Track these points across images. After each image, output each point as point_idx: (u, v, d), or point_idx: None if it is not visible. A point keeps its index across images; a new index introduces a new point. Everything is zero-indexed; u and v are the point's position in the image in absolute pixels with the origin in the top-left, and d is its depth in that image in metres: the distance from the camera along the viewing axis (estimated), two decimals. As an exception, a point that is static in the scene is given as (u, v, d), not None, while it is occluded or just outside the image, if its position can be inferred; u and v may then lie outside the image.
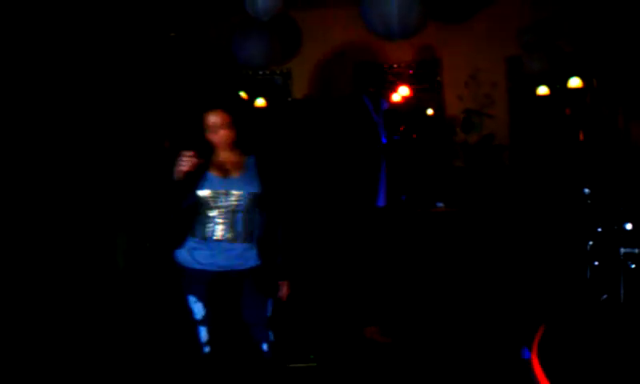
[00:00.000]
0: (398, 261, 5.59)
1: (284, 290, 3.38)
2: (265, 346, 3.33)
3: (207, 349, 3.33)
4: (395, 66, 7.71)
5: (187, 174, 3.09)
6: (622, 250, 4.91)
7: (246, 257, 3.26)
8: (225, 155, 3.27)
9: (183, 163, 3.07)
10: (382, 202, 5.05)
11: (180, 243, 3.25)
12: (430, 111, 7.67)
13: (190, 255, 3.23)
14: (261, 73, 7.70)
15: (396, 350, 4.71)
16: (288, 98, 7.72)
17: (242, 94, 7.32)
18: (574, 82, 7.20)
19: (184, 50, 7.18)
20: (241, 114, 3.28)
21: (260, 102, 7.62)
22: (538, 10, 7.10)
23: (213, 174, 3.22)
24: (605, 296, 5.11)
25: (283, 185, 3.35)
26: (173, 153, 3.18)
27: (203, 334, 3.31)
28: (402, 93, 7.41)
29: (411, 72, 7.77)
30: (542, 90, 7.47)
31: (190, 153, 3.08)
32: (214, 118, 3.18)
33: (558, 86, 7.49)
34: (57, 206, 5.76)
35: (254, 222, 3.26)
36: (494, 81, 7.62)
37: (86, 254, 5.87)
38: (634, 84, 7.10)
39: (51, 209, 5.75)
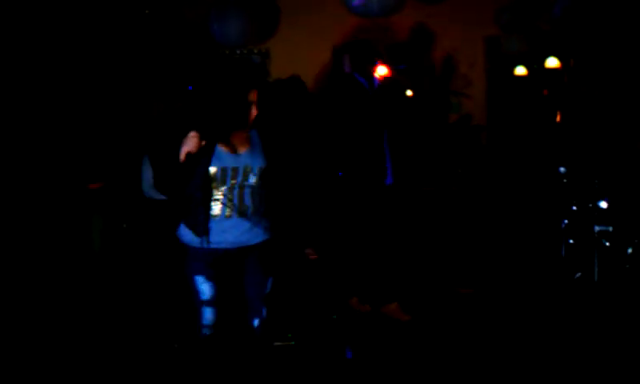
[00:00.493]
0: (381, 238, 5.59)
1: (309, 253, 3.44)
2: (256, 322, 3.29)
3: (207, 331, 3.23)
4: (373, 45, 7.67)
5: (190, 154, 3.03)
6: (597, 228, 4.97)
7: (255, 232, 3.22)
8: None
9: (189, 144, 3.02)
10: (389, 179, 5.06)
11: (189, 222, 3.19)
12: (409, 92, 7.66)
13: (201, 235, 3.16)
14: (238, 52, 7.63)
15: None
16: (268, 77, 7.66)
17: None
18: (552, 62, 7.22)
19: (158, 28, 7.10)
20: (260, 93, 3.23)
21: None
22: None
23: (223, 150, 3.16)
24: (579, 274, 5.17)
25: (288, 159, 3.34)
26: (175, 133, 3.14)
27: (208, 315, 3.22)
28: (380, 72, 7.38)
29: (390, 51, 7.73)
30: (520, 71, 7.48)
31: (195, 133, 3.03)
32: (253, 96, 3.15)
33: (535, 66, 7.51)
34: (29, 189, 5.69)
35: (262, 196, 3.23)
36: (471, 61, 7.62)
37: (61, 235, 5.81)
38: (611, 63, 7.14)
39: (24, 191, 5.69)
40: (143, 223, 5.76)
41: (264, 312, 3.30)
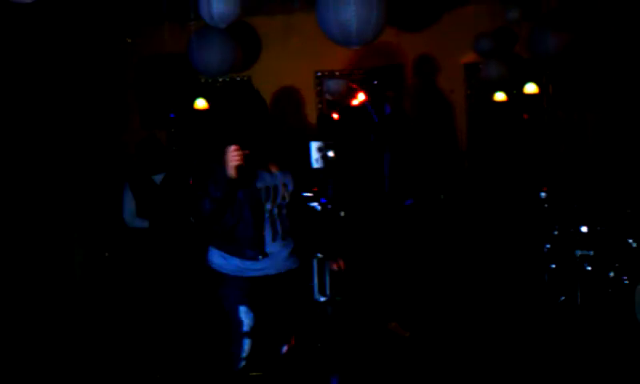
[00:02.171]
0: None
1: (341, 265, 3.25)
2: (284, 348, 3.22)
3: (243, 363, 3.09)
4: (354, 71, 7.73)
5: (240, 168, 2.93)
6: (578, 253, 4.99)
7: (292, 258, 3.18)
8: None
9: (234, 158, 2.92)
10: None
11: (234, 252, 3.06)
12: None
13: (242, 263, 3.06)
14: (220, 80, 7.64)
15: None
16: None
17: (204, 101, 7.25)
18: (530, 88, 7.31)
19: (140, 57, 7.10)
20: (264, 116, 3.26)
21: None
22: (496, 18, 7.19)
23: (262, 170, 3.13)
24: (562, 298, 5.19)
25: (303, 185, 3.27)
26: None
27: (247, 346, 3.09)
28: (360, 99, 7.42)
29: (370, 78, 7.78)
30: (500, 96, 7.56)
31: (236, 146, 2.94)
32: None
33: (514, 91, 7.59)
34: (12, 218, 5.63)
35: (292, 220, 3.18)
36: (451, 87, 7.68)
37: (42, 264, 5.75)
38: (589, 89, 7.24)
39: (6, 220, 5.63)
40: (125, 252, 5.71)
41: (292, 339, 3.24)
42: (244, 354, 3.07)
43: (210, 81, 7.56)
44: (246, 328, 3.06)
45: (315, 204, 5.14)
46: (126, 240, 5.53)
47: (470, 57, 7.39)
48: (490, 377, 4.22)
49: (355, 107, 5.66)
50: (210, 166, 3.00)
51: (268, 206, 3.05)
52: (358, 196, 5.25)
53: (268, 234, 3.06)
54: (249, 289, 3.07)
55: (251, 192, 3.02)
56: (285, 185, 3.12)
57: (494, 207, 6.71)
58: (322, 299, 5.02)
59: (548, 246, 5.39)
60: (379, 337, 4.97)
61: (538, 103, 7.56)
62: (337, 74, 7.69)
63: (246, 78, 7.67)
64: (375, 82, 5.51)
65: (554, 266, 5.37)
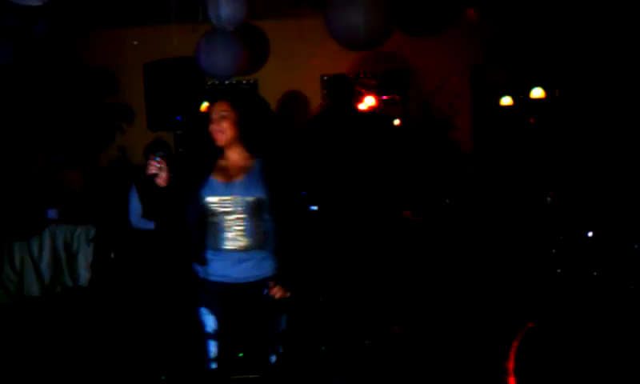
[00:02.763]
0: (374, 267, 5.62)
1: (275, 291, 3.07)
2: (273, 359, 3.13)
3: (214, 365, 3.09)
4: (362, 75, 7.74)
5: (171, 180, 2.95)
6: (584, 258, 5.00)
7: (262, 267, 3.07)
8: (230, 156, 3.09)
9: (152, 169, 2.96)
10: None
11: (197, 254, 3.08)
12: (396, 121, 7.71)
13: (204, 267, 3.07)
14: (227, 82, 7.66)
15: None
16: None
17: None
18: (537, 93, 7.31)
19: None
20: (247, 109, 3.06)
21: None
22: (503, 21, 7.20)
23: (215, 180, 3.04)
24: (567, 303, 5.19)
25: (292, 190, 3.13)
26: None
27: (212, 349, 3.09)
28: (368, 103, 7.44)
29: (378, 82, 7.80)
30: (506, 101, 7.56)
31: (157, 159, 2.96)
32: (218, 109, 3.02)
33: (521, 96, 7.60)
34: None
35: (266, 229, 3.05)
36: (457, 91, 7.68)
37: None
38: (595, 94, 7.23)
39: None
40: (131, 253, 5.73)
41: (280, 349, 3.14)
42: (212, 356, 3.09)
43: (216, 83, 7.58)
44: (207, 329, 3.08)
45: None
46: (131, 241, 5.54)
47: (476, 59, 7.40)
48: (492, 381, 4.21)
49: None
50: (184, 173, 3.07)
51: (220, 219, 3.00)
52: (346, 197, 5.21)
53: (220, 242, 3.01)
54: (209, 292, 3.08)
55: (197, 206, 3.03)
56: (240, 198, 2.99)
57: (500, 212, 6.71)
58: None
59: (554, 250, 5.40)
60: (379, 339, 4.96)
61: (545, 108, 7.56)
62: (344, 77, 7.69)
63: (252, 81, 7.70)
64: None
65: (559, 270, 5.37)
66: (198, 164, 3.08)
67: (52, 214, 6.13)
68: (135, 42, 7.32)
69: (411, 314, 5.43)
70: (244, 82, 7.66)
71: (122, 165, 6.82)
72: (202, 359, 3.11)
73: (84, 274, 5.91)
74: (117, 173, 6.58)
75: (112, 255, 6.02)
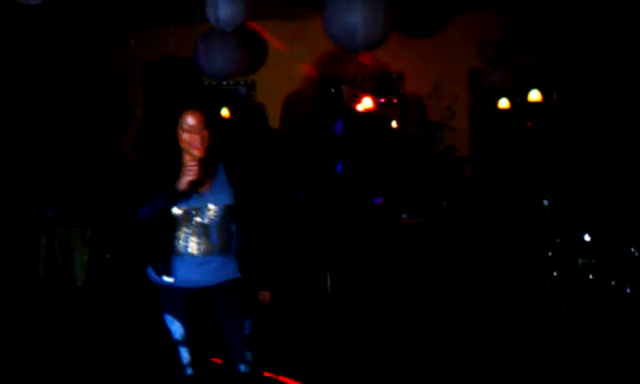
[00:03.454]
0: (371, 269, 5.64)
1: (266, 297, 3.17)
2: (242, 367, 3.10)
3: (189, 371, 3.07)
4: (359, 78, 7.75)
5: (192, 183, 2.89)
6: (581, 261, 5.00)
7: (223, 270, 3.05)
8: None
9: (190, 171, 2.87)
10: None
11: (153, 259, 3.05)
12: (393, 124, 7.73)
13: (167, 271, 3.01)
14: (225, 83, 7.67)
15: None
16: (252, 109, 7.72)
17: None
18: (534, 95, 7.33)
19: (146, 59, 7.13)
20: (214, 118, 3.07)
21: (224, 112, 7.59)
22: (501, 24, 7.21)
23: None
24: (563, 306, 5.20)
25: (257, 192, 3.16)
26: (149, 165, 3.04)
27: (184, 355, 3.06)
28: (365, 105, 7.45)
29: (375, 84, 7.82)
30: (503, 103, 7.58)
31: (195, 161, 2.89)
32: (197, 120, 2.96)
33: (518, 99, 7.61)
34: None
35: (230, 232, 3.05)
36: (455, 93, 7.70)
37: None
38: (593, 97, 7.25)
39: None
40: (127, 254, 5.73)
41: (248, 356, 3.11)
42: (186, 362, 3.05)
43: (214, 84, 7.59)
44: (176, 336, 3.04)
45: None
46: (128, 242, 5.54)
47: (474, 63, 7.41)
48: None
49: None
50: (156, 177, 2.99)
51: (189, 223, 2.97)
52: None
53: (185, 247, 2.98)
54: (172, 298, 3.04)
55: (165, 215, 2.98)
56: (210, 206, 2.98)
57: (497, 214, 6.71)
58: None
59: (550, 253, 5.40)
60: (375, 340, 4.97)
61: (542, 111, 7.57)
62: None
63: (249, 82, 7.71)
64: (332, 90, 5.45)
65: (556, 273, 5.38)
66: (166, 171, 2.99)
67: (48, 214, 6.12)
68: (132, 42, 7.33)
69: (406, 316, 5.43)
70: (242, 82, 7.67)
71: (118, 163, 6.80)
72: (176, 365, 3.08)
73: (80, 274, 5.90)
74: (113, 171, 6.56)
75: (108, 256, 6.02)
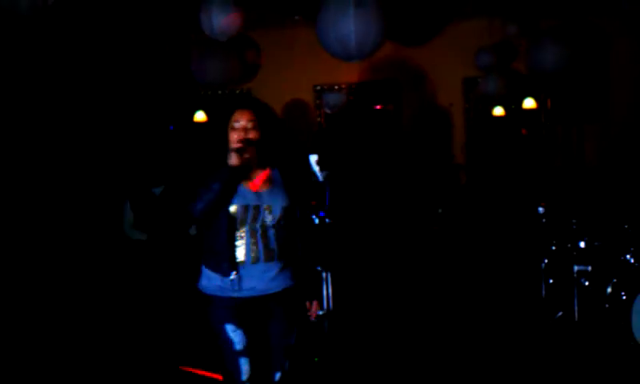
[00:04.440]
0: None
1: (315, 308, 3.12)
2: (277, 376, 3.02)
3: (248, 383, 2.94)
4: (354, 86, 7.77)
5: (241, 154, 2.83)
6: (576, 268, 5.00)
7: (281, 277, 2.98)
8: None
9: (237, 142, 2.85)
10: None
11: (213, 268, 2.95)
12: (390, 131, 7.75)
13: (222, 282, 2.92)
14: (220, 92, 7.67)
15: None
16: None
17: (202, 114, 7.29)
18: (529, 103, 7.35)
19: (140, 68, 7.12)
20: (267, 120, 3.00)
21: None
22: (496, 33, 7.23)
23: (243, 187, 2.94)
24: (560, 313, 5.19)
25: (310, 199, 3.20)
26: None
27: (245, 367, 2.93)
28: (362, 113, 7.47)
29: (371, 92, 7.84)
30: (498, 111, 7.60)
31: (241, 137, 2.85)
32: (245, 118, 2.93)
33: (513, 106, 7.63)
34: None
35: (286, 238, 2.99)
36: (450, 101, 7.72)
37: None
38: (586, 104, 7.27)
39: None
40: (123, 263, 5.71)
41: (287, 365, 3.03)
42: (245, 376, 2.92)
43: (209, 93, 7.60)
44: (238, 346, 2.91)
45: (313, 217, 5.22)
46: (124, 251, 5.52)
47: (469, 71, 7.43)
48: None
49: None
50: (209, 166, 2.93)
51: (248, 225, 2.91)
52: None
53: (247, 253, 2.91)
54: (234, 308, 2.93)
55: (225, 212, 2.90)
56: (269, 207, 2.93)
57: (492, 221, 6.72)
58: (320, 313, 5.04)
59: (546, 260, 5.40)
60: (375, 347, 4.96)
61: (537, 118, 7.59)
62: (336, 87, 7.73)
63: (245, 90, 7.71)
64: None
65: (551, 280, 5.38)
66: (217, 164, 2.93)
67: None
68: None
69: (402, 323, 5.43)
70: (237, 91, 7.67)
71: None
72: (235, 378, 2.94)
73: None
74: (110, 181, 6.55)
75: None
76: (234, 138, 2.91)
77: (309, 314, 3.11)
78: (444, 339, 5.11)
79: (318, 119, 7.64)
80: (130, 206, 5.35)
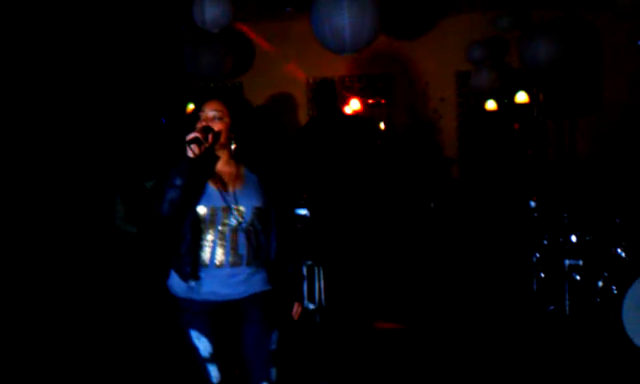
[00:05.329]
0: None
1: (297, 310, 3.00)
2: None
3: None
4: (347, 79, 7.75)
5: (198, 143, 2.64)
6: (567, 262, 5.01)
7: (251, 282, 2.82)
8: (222, 165, 2.84)
9: (193, 132, 2.66)
10: None
11: (176, 270, 2.81)
12: (382, 125, 7.74)
13: (188, 285, 2.78)
14: (212, 84, 7.64)
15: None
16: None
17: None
18: (521, 97, 7.36)
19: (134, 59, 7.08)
20: (239, 114, 2.85)
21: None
22: (488, 27, 7.23)
23: (212, 187, 2.77)
24: (551, 307, 5.21)
25: (289, 199, 2.99)
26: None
27: (214, 373, 2.82)
28: (353, 106, 7.45)
29: (363, 85, 7.82)
30: (491, 105, 7.60)
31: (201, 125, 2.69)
32: (212, 109, 2.78)
33: (505, 100, 7.64)
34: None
35: (259, 242, 2.82)
36: (443, 95, 7.72)
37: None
38: (579, 98, 7.29)
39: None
40: (116, 256, 5.69)
41: (272, 374, 2.87)
42: (215, 381, 2.82)
43: (201, 85, 7.56)
44: (203, 354, 2.81)
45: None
46: (116, 244, 5.50)
47: (461, 65, 7.43)
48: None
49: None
50: (174, 160, 2.74)
51: (217, 227, 2.75)
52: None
53: (212, 257, 2.77)
54: (199, 313, 2.80)
55: (191, 213, 2.75)
56: (239, 208, 2.77)
57: (484, 216, 6.74)
58: (311, 307, 5.03)
59: (537, 255, 5.42)
60: (367, 339, 4.96)
61: (529, 112, 7.60)
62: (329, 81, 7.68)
63: (237, 84, 7.68)
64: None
65: (542, 274, 5.39)
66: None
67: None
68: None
69: (394, 317, 5.43)
70: (229, 84, 7.64)
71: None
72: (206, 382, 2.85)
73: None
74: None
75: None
76: (197, 127, 2.75)
77: (292, 313, 2.99)
78: (435, 333, 5.12)
79: (312, 113, 7.62)
80: (120, 200, 5.33)
